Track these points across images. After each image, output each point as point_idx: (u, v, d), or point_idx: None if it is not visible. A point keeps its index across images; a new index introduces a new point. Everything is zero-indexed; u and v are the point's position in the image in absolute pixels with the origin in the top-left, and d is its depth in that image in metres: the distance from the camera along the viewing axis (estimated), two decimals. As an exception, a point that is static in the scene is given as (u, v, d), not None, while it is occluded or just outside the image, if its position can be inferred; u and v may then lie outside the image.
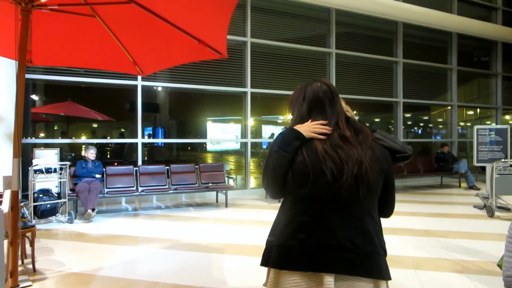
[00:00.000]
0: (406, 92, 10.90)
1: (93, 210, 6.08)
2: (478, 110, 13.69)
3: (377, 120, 14.23)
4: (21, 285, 2.04)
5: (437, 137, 12.85)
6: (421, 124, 13.62)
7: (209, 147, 10.60)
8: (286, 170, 1.40)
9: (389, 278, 1.37)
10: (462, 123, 13.47)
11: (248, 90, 8.69)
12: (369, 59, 10.41)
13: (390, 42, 10.89)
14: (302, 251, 1.33)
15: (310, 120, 1.48)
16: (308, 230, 1.35)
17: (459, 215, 6.46)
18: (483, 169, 10.01)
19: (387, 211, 1.52)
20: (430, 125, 13.41)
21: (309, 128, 1.44)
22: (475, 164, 8.13)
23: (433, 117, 13.30)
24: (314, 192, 1.36)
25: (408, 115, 12.31)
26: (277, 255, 1.39)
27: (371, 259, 1.34)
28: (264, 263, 1.47)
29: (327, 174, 1.33)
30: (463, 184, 10.02)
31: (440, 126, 13.09)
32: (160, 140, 10.00)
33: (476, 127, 8.09)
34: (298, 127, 1.45)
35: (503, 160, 7.05)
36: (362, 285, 1.29)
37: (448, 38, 11.80)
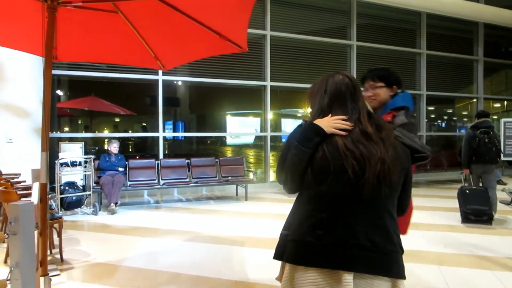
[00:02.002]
0: (430, 85, 10.63)
1: (116, 204, 6.23)
2: (505, 102, 13.23)
3: (399, 113, 13.91)
4: (50, 274, 2.12)
5: (461, 131, 12.50)
6: (445, 117, 13.28)
7: (229, 140, 10.65)
8: (305, 165, 1.37)
9: (405, 277, 1.35)
10: (488, 116, 13.04)
11: (268, 83, 8.67)
12: (391, 51, 10.19)
13: (413, 33, 10.62)
14: (320, 247, 1.31)
15: (330, 115, 1.43)
16: (326, 227, 1.32)
17: (499, 222, 6.28)
18: (510, 163, 9.70)
19: (403, 208, 1.49)
20: (454, 118, 13.06)
21: (330, 123, 1.39)
22: (502, 158, 7.88)
23: (457, 110, 12.95)
24: (334, 189, 1.33)
25: (431, 108, 12.02)
26: (293, 250, 1.37)
27: (390, 258, 1.31)
28: (278, 257, 1.45)
29: (349, 171, 1.29)
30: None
31: (465, 119, 12.72)
32: (180, 134, 10.12)
33: (503, 120, 7.84)
34: (319, 122, 1.41)
35: (531, 154, 6.80)
36: (380, 284, 1.28)
37: (474, 28, 11.41)
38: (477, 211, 5.31)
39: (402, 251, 1.38)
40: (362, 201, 1.31)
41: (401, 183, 1.39)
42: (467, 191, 5.45)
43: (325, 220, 1.33)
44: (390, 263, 1.31)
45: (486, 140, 5.37)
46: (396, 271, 1.31)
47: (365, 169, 1.29)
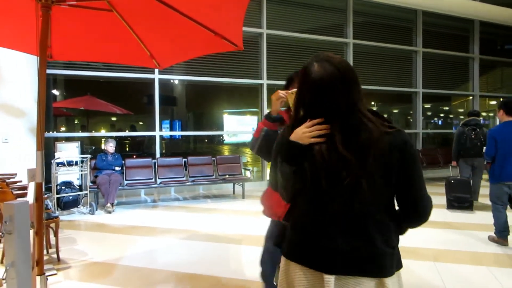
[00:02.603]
0: (426, 82, 10.66)
1: (112, 204, 6.23)
2: (501, 100, 13.28)
3: (395, 111, 14.00)
4: (46, 274, 2.11)
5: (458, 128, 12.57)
6: (441, 115, 13.34)
7: (226, 139, 10.66)
8: (296, 178, 1.35)
9: (392, 274, 1.30)
10: (484, 114, 13.11)
11: (264, 82, 8.67)
12: (388, 49, 10.21)
13: (409, 31, 10.64)
14: (306, 247, 1.33)
15: (308, 120, 1.31)
16: (309, 230, 1.33)
17: (480, 207, 6.32)
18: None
19: (412, 214, 1.33)
20: (451, 116, 13.12)
21: (305, 135, 1.29)
22: (498, 155, 7.92)
23: (453, 107, 13.00)
24: (314, 196, 1.32)
25: (427, 105, 12.06)
26: (287, 245, 1.41)
27: (372, 260, 1.28)
28: (280, 242, 1.48)
29: (323, 180, 1.27)
30: (485, 176, 9.78)
31: (461, 117, 12.78)
32: (177, 133, 10.11)
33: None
34: (294, 134, 1.33)
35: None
36: (364, 282, 1.27)
37: (470, 26, 11.45)
38: (459, 198, 6.08)
39: (393, 249, 1.32)
40: (341, 207, 1.27)
41: (384, 183, 1.26)
42: (452, 181, 6.23)
43: (309, 224, 1.34)
44: (372, 265, 1.28)
45: (473, 136, 6.09)
46: (378, 271, 1.28)
47: (337, 180, 1.25)
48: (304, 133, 1.30)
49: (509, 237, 4.35)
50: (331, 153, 1.24)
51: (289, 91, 1.98)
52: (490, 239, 4.45)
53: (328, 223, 1.30)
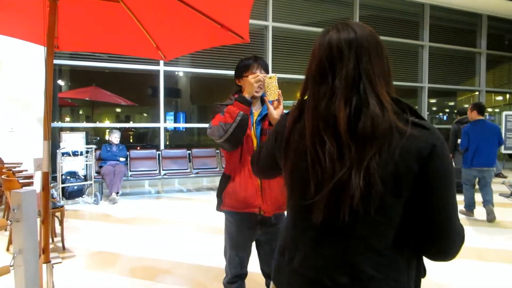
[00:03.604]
0: (432, 77, 10.59)
1: (117, 193, 6.28)
2: (508, 95, 13.18)
3: (400, 105, 13.90)
4: (52, 262, 2.15)
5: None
6: (447, 110, 13.25)
7: (230, 132, 10.65)
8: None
9: None
10: (490, 109, 13.02)
11: (270, 75, 8.63)
12: (394, 43, 10.13)
13: (416, 25, 10.54)
14: (286, 273, 1.04)
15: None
16: (289, 254, 1.03)
17: (483, 203, 6.32)
18: (511, 156, 9.71)
19: (431, 249, 0.91)
20: (456, 111, 13.03)
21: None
22: (503, 151, 7.90)
23: (459, 102, 12.90)
24: (294, 205, 1.03)
25: (433, 100, 11.98)
26: (274, 269, 1.12)
27: None
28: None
29: (311, 175, 0.92)
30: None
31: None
32: (181, 125, 10.13)
33: (504, 113, 7.84)
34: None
35: (532, 147, 6.85)
36: None
37: (478, 20, 11.32)
38: (456, 183, 6.54)
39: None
40: (321, 226, 0.92)
41: (398, 200, 0.86)
42: None
43: (289, 245, 1.04)
44: None
45: None
46: None
47: (325, 181, 0.89)
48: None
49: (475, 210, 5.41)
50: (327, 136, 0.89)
51: (267, 75, 1.91)
52: (460, 212, 5.29)
53: (310, 243, 0.96)
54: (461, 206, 5.30)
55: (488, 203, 5.18)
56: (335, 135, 0.88)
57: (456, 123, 6.71)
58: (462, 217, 5.34)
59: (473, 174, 5.25)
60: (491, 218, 5.10)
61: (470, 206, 5.38)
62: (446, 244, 0.89)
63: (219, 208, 2.11)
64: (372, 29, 0.97)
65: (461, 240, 0.92)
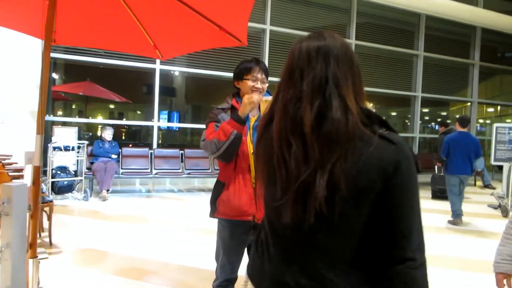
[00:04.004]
0: (425, 87, 10.70)
1: (107, 191, 6.23)
2: (499, 107, 13.37)
3: (393, 114, 14.05)
4: (39, 257, 2.13)
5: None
6: (439, 120, 13.39)
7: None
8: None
9: None
10: (481, 120, 13.19)
11: (265, 98, 8.65)
12: (389, 51, 10.23)
13: (411, 34, 10.66)
14: (258, 268, 1.05)
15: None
16: (261, 250, 1.05)
17: (472, 214, 6.38)
18: (500, 168, 9.82)
19: (387, 261, 0.87)
20: (448, 121, 13.16)
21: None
22: (492, 162, 8.00)
23: (451, 113, 13.06)
24: (266, 206, 1.06)
25: (425, 110, 12.10)
26: (250, 260, 1.14)
27: None
28: None
29: (278, 174, 0.93)
30: (479, 183, 9.87)
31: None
32: (175, 124, 10.09)
33: (495, 125, 7.93)
34: None
35: (521, 160, 6.94)
36: None
37: (472, 32, 11.49)
38: (441, 190, 7.19)
39: None
40: (294, 229, 0.93)
41: (360, 211, 0.87)
42: (436, 176, 7.57)
43: (262, 242, 1.06)
44: None
45: None
46: None
47: (291, 181, 0.90)
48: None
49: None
50: (294, 136, 0.90)
51: (263, 99, 1.92)
52: (449, 222, 5.62)
53: (279, 245, 0.99)
54: (449, 216, 5.68)
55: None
56: (302, 137, 0.88)
57: (443, 134, 7.21)
58: (450, 227, 5.44)
59: (454, 181, 5.66)
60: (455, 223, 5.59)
61: (457, 214, 5.57)
62: (406, 251, 0.87)
63: (212, 215, 2.10)
64: (345, 41, 0.97)
65: (421, 252, 0.89)
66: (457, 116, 6.17)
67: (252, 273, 1.08)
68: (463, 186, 5.67)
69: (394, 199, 0.86)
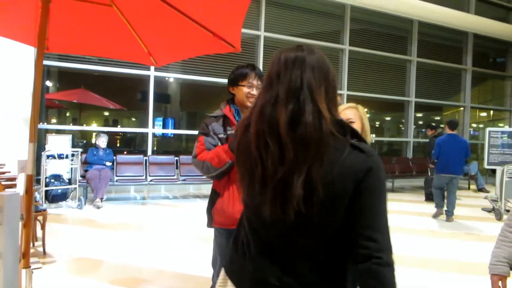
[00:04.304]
0: (419, 92, 10.78)
1: (101, 199, 6.19)
2: (491, 112, 13.50)
3: (387, 119, 14.14)
4: (32, 267, 2.10)
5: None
6: (433, 125, 13.49)
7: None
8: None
9: None
10: (474, 125, 13.30)
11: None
12: (383, 57, 10.31)
13: (404, 40, 10.76)
14: (238, 265, 1.09)
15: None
16: (242, 248, 1.09)
17: (466, 217, 6.41)
18: (494, 172, 9.89)
19: (355, 257, 0.92)
20: (442, 126, 13.27)
21: None
22: (486, 166, 8.05)
23: (445, 117, 13.15)
24: (245, 204, 1.09)
25: (419, 114, 12.18)
26: (227, 258, 1.17)
27: None
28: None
29: (257, 171, 0.97)
30: (473, 186, 9.93)
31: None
32: (170, 131, 10.06)
33: (488, 129, 7.99)
34: None
35: (514, 163, 6.99)
36: None
37: (464, 38, 11.62)
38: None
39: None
40: (270, 230, 0.99)
41: (335, 216, 0.92)
42: (429, 179, 7.65)
43: (242, 241, 1.09)
44: None
45: None
46: None
47: (266, 180, 0.96)
48: None
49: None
50: (271, 137, 0.94)
51: None
52: (434, 215, 6.23)
53: (259, 244, 1.03)
54: (442, 220, 6.09)
55: (450, 214, 6.05)
56: (278, 138, 0.92)
57: (434, 137, 7.55)
58: (444, 230, 5.44)
59: (443, 181, 6.10)
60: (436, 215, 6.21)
61: (438, 205, 6.21)
62: (371, 247, 0.90)
63: (210, 225, 2.10)
64: (323, 55, 1.02)
65: (388, 252, 0.91)
66: (448, 120, 6.58)
67: (231, 272, 1.10)
68: (453, 186, 6.03)
69: (362, 201, 0.91)
